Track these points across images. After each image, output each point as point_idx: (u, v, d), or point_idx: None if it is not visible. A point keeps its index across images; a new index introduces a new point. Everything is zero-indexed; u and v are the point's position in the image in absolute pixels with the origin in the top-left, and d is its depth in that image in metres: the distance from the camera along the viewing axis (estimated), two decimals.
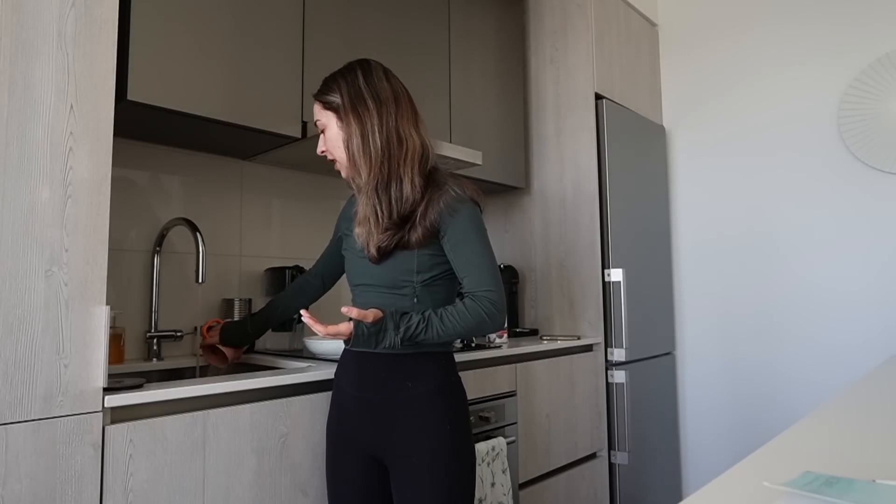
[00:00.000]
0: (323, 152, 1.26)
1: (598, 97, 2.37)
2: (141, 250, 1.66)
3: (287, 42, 1.65)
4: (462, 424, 1.19)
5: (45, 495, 0.93)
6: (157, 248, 1.65)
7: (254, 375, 1.23)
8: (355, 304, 1.25)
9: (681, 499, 2.61)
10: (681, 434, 2.68)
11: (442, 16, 2.16)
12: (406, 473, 1.14)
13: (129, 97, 1.32)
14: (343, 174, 1.24)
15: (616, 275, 2.27)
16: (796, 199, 2.42)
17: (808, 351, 2.36)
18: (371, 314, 1.09)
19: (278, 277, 1.87)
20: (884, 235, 2.22)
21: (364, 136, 1.17)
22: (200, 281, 1.48)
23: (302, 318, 1.06)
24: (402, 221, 1.16)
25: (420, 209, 1.16)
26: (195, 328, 1.72)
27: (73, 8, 1.02)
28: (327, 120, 1.23)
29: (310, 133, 1.66)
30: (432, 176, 1.21)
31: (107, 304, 1.03)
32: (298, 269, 1.88)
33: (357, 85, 1.21)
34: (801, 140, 2.42)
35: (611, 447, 2.24)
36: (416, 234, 1.16)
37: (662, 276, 2.64)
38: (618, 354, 2.26)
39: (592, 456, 2.18)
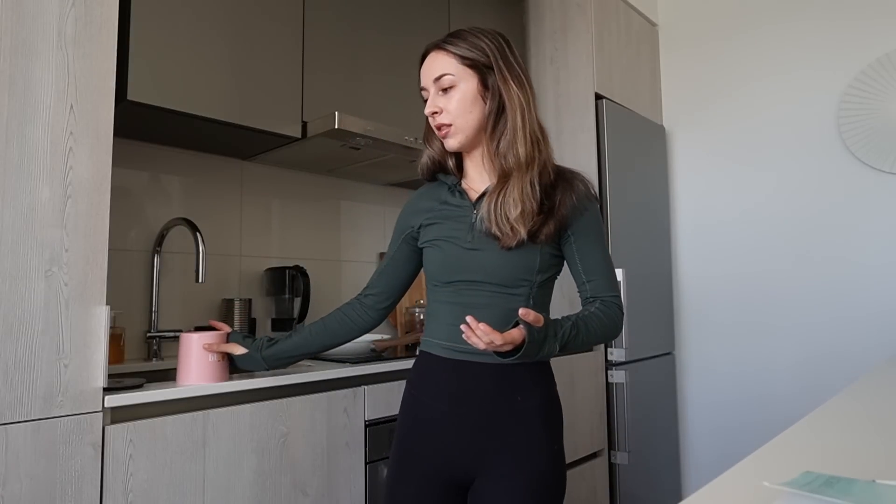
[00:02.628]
0: (435, 113, 1.07)
1: (598, 97, 2.37)
2: (141, 250, 1.66)
3: (287, 42, 1.65)
4: (562, 443, 1.09)
5: (45, 495, 0.93)
6: (157, 248, 1.65)
7: (254, 375, 1.23)
8: (442, 303, 1.09)
9: (681, 499, 2.61)
10: (681, 434, 2.68)
11: (442, 16, 2.16)
12: (503, 496, 1.01)
13: (129, 97, 1.32)
14: (454, 143, 1.08)
15: (616, 275, 2.27)
16: (796, 199, 2.42)
17: (808, 351, 2.36)
18: (540, 318, 0.93)
19: (278, 277, 1.87)
20: (884, 235, 2.22)
21: (523, 111, 1.05)
22: (200, 281, 1.48)
23: (463, 325, 0.88)
24: (542, 211, 1.05)
25: (556, 203, 1.06)
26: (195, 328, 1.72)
27: (73, 8, 1.02)
28: (461, 78, 1.05)
29: (310, 133, 1.66)
30: (558, 169, 1.12)
31: (107, 304, 1.04)
32: (298, 269, 1.88)
33: (506, 53, 1.08)
34: (801, 140, 2.42)
35: (611, 447, 2.24)
36: (548, 229, 1.04)
37: (663, 276, 2.64)
38: (618, 354, 2.26)
39: (592, 456, 2.18)
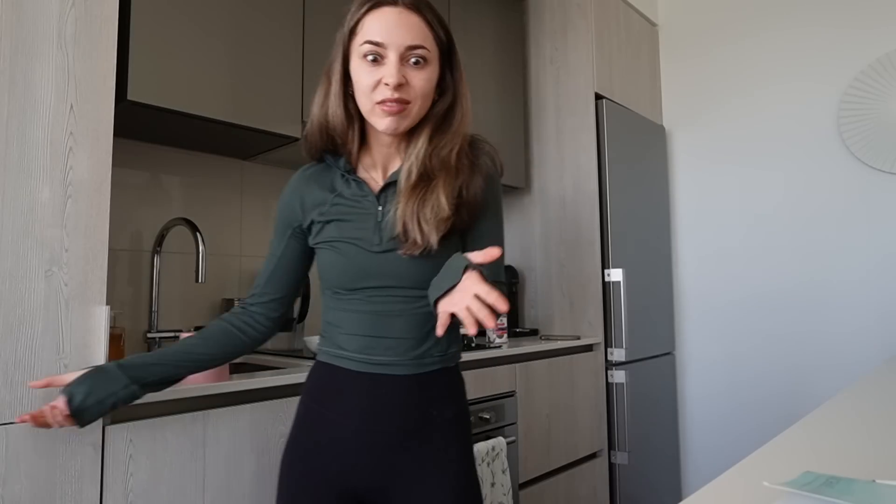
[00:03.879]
0: (402, 84, 0.88)
1: (598, 97, 2.37)
2: (141, 250, 1.66)
3: (287, 42, 1.65)
4: (473, 455, 1.01)
5: (45, 495, 0.93)
6: (157, 248, 1.65)
7: (254, 375, 1.23)
8: (348, 311, 0.95)
9: (681, 499, 2.61)
10: (681, 434, 2.68)
11: (442, 16, 2.16)
12: None
13: (129, 97, 1.32)
14: (400, 127, 0.91)
15: (616, 275, 2.27)
16: (796, 199, 2.42)
17: (808, 351, 2.36)
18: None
19: None
20: (884, 235, 2.22)
21: (467, 101, 0.96)
22: (200, 281, 1.48)
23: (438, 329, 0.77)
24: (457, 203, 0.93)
25: (467, 181, 0.94)
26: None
27: (73, 8, 1.02)
28: (432, 59, 0.91)
29: None
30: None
31: (107, 304, 1.03)
32: None
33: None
34: (801, 140, 2.42)
35: (611, 447, 2.24)
36: (462, 216, 0.93)
37: (662, 276, 2.64)
38: (618, 354, 2.26)
39: (592, 456, 2.18)
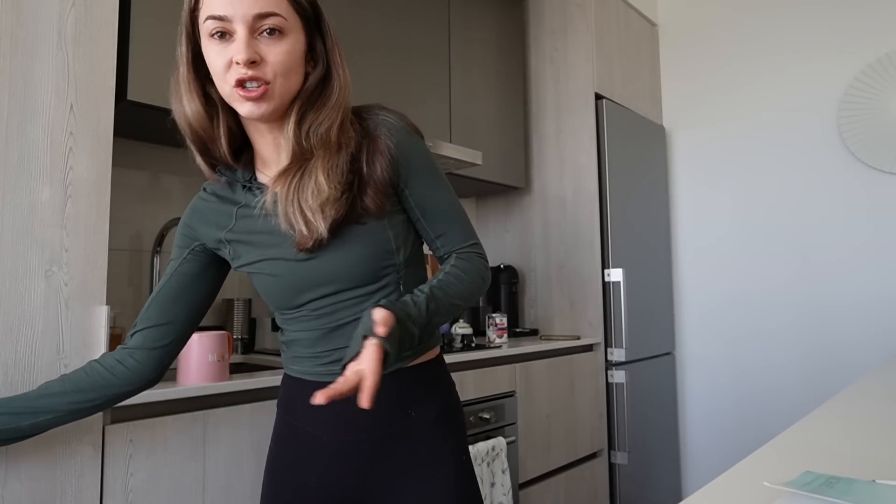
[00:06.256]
0: (254, 62, 0.75)
1: (598, 97, 2.38)
2: (141, 250, 1.66)
3: None
4: (468, 450, 0.94)
5: (44, 495, 0.93)
6: (157, 248, 1.65)
7: (253, 375, 1.23)
8: (300, 331, 0.88)
9: (681, 499, 2.61)
10: (681, 434, 2.68)
11: (442, 16, 2.16)
12: None
13: (129, 97, 1.32)
14: (264, 110, 0.78)
15: (616, 275, 2.27)
16: (796, 199, 2.43)
17: (808, 351, 2.36)
18: (388, 317, 0.71)
19: None
20: (883, 235, 2.22)
21: (348, 88, 0.85)
22: None
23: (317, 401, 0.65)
24: (349, 181, 0.82)
25: (361, 166, 0.83)
26: None
27: (73, 8, 1.02)
28: (292, 27, 0.79)
29: None
30: (356, 111, 0.89)
31: (107, 304, 1.03)
32: None
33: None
34: (801, 140, 2.42)
35: (611, 447, 2.24)
36: (369, 197, 0.82)
37: (662, 276, 2.64)
38: (618, 354, 2.26)
39: (592, 456, 2.18)
